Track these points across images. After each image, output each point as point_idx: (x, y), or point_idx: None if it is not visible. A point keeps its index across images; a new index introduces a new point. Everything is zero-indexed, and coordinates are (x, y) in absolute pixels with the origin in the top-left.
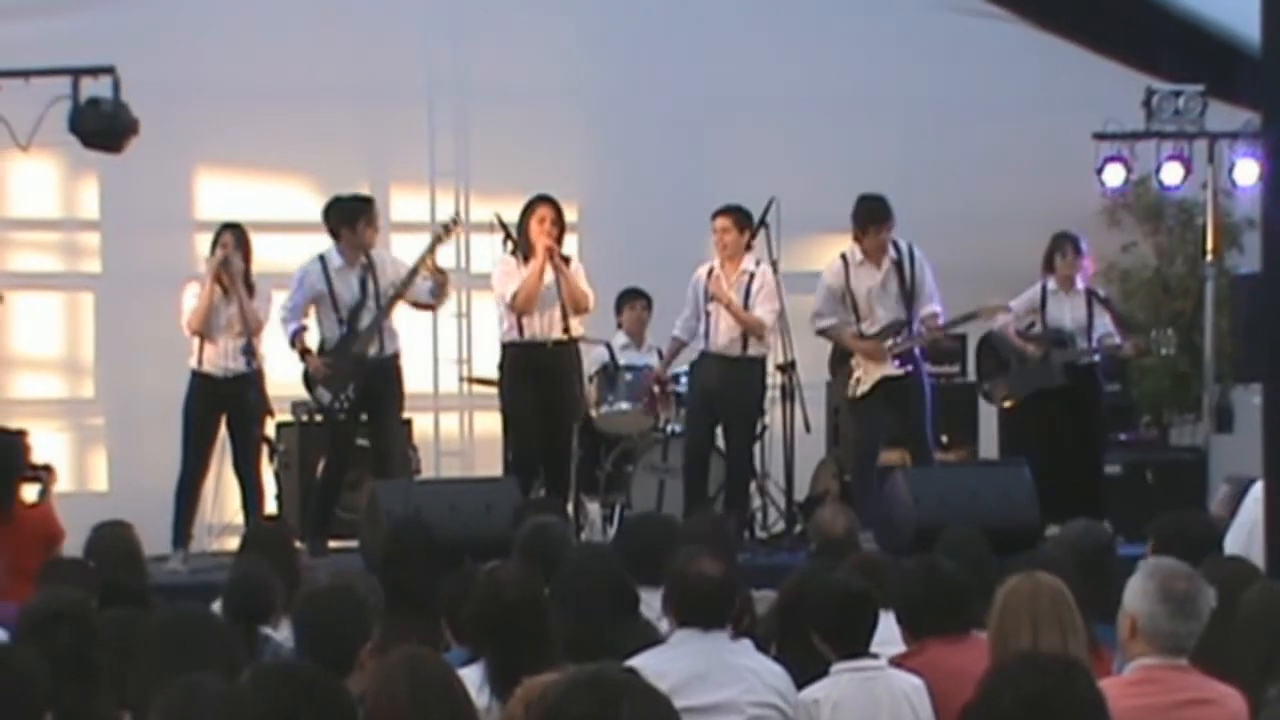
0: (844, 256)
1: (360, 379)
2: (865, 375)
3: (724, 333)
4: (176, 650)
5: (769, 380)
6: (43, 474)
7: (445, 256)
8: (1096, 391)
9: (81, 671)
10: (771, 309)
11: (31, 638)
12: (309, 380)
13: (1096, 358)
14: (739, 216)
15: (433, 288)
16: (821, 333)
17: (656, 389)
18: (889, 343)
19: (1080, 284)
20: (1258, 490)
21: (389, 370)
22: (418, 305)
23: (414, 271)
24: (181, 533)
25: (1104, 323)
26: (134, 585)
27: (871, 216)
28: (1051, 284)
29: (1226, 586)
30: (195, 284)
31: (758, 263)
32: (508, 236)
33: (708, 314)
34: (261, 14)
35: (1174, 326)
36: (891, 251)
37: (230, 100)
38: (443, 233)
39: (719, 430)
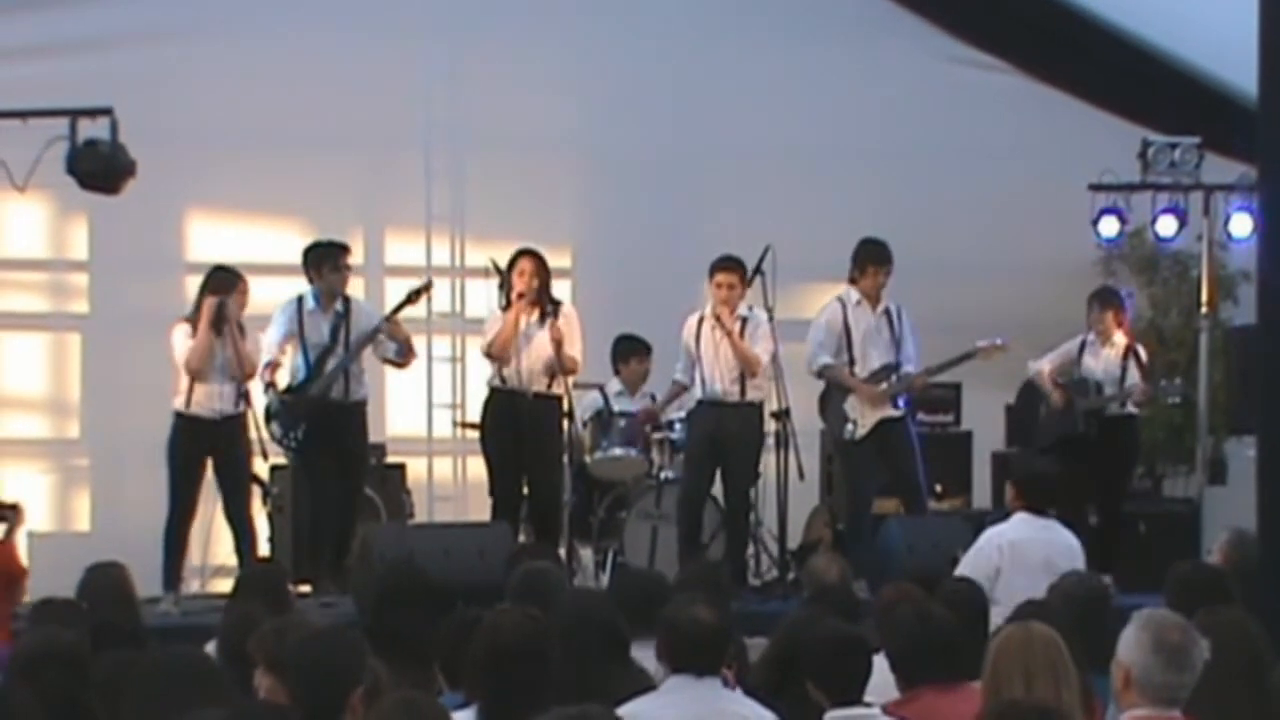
0: (840, 299)
1: (313, 420)
2: (862, 419)
3: (721, 378)
4: (169, 691)
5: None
6: (9, 513)
7: (440, 300)
8: (1130, 444)
9: (74, 713)
10: (767, 349)
11: (24, 679)
12: (268, 414)
13: (1130, 408)
14: (744, 271)
15: (399, 348)
16: (820, 373)
17: (650, 430)
18: (883, 386)
19: (1120, 338)
20: (993, 536)
21: (353, 416)
22: (386, 361)
23: (376, 330)
24: (172, 575)
25: (1136, 377)
26: (127, 626)
27: (871, 257)
28: (1090, 336)
29: (1220, 638)
30: (183, 325)
31: (750, 308)
32: (503, 282)
33: (701, 361)
34: (259, 58)
35: (1168, 378)
36: (885, 302)
37: (226, 144)
38: (414, 296)
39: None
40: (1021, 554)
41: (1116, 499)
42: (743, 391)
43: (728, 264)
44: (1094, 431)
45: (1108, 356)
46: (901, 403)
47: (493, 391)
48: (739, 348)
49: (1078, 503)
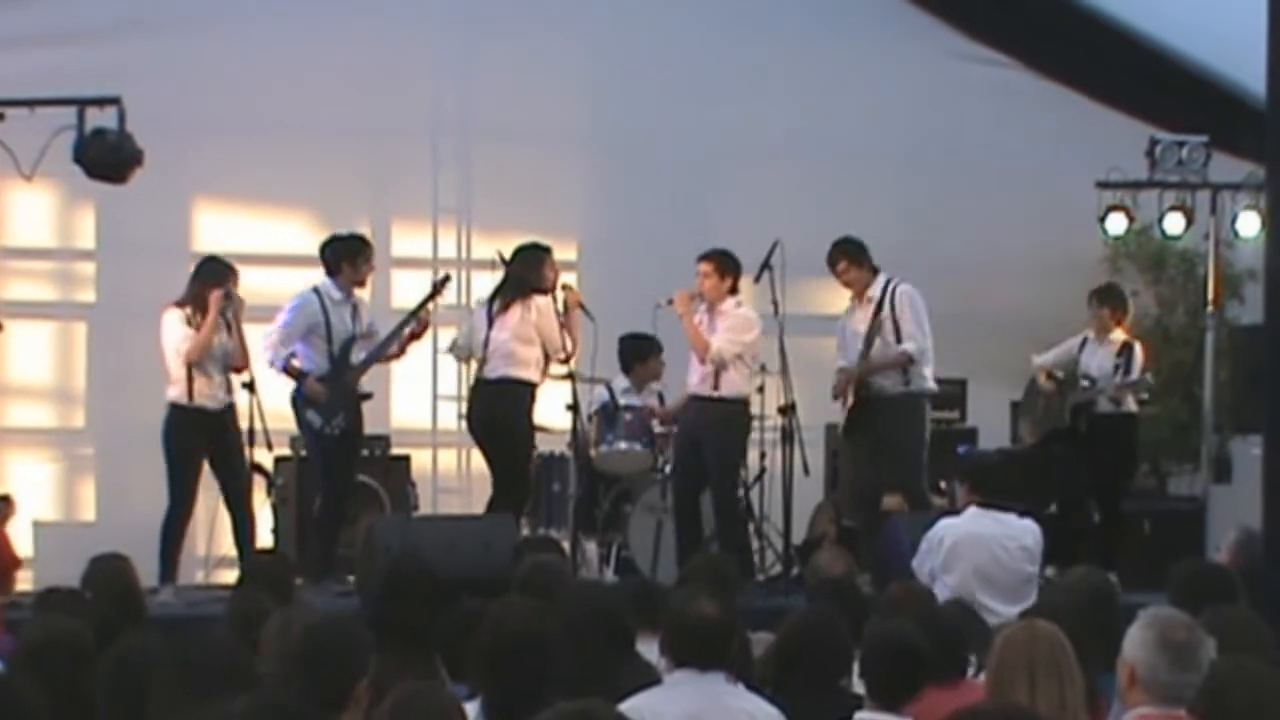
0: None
1: (349, 411)
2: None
3: (697, 372)
4: (196, 680)
5: (767, 423)
6: (1, 505)
7: (446, 292)
8: (1125, 442)
9: (77, 702)
10: (730, 339)
11: (29, 668)
12: (299, 402)
13: (1128, 405)
14: (721, 261)
15: (402, 341)
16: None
17: (659, 427)
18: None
19: (1118, 335)
20: (939, 530)
21: (360, 410)
22: (387, 358)
23: (410, 318)
24: (170, 568)
25: (1135, 370)
26: (131, 617)
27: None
28: (1090, 333)
29: (1226, 637)
30: (176, 310)
31: (738, 305)
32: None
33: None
34: (267, 48)
35: (1173, 376)
36: (874, 291)
37: (233, 133)
38: (437, 289)
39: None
40: (958, 553)
41: (1114, 497)
42: (715, 385)
43: (705, 254)
44: (1083, 427)
45: (1104, 353)
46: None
47: (533, 385)
48: (688, 329)
49: (1073, 497)
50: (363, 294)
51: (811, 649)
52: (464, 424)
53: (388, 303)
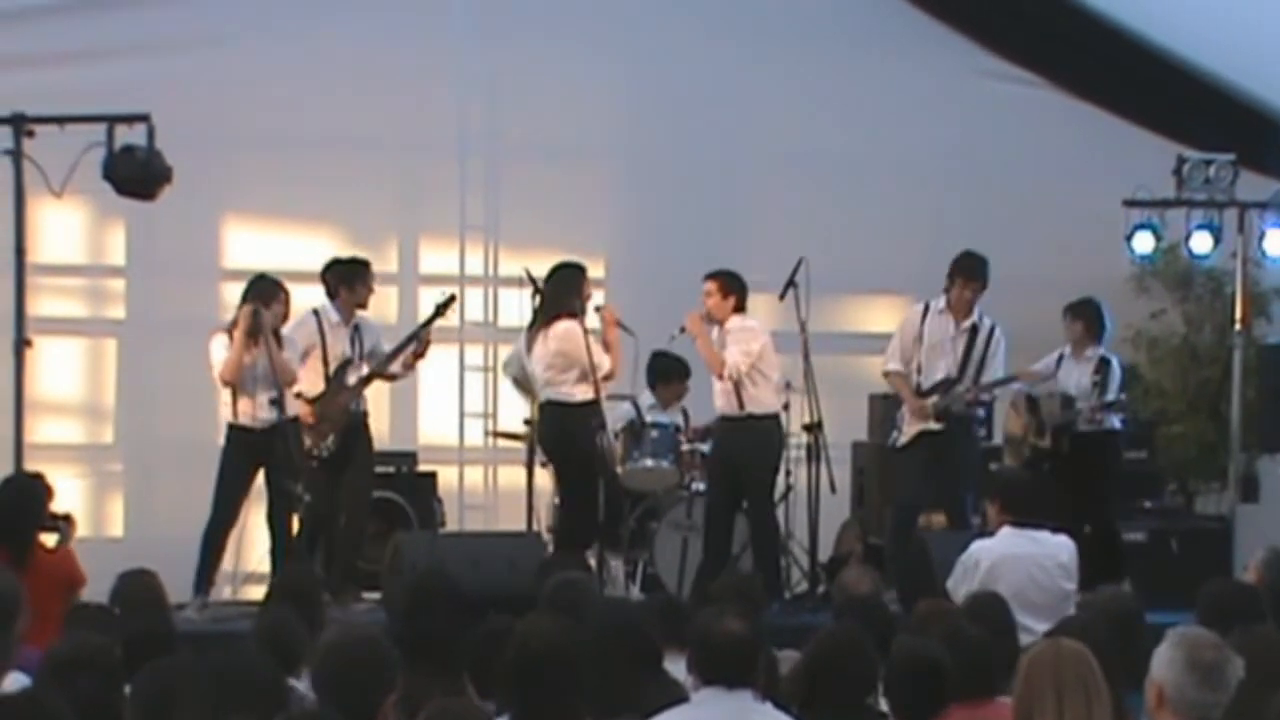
0: (927, 304)
1: (341, 432)
2: (907, 427)
3: (720, 393)
4: (223, 695)
5: (793, 440)
6: (62, 524)
7: (473, 309)
8: (1109, 457)
9: (105, 718)
10: (741, 351)
11: (56, 683)
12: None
13: (1117, 422)
14: (724, 281)
15: (405, 359)
16: (886, 376)
17: (685, 444)
18: (933, 399)
19: (1093, 351)
20: (975, 552)
21: (361, 427)
22: (390, 377)
23: (412, 337)
24: (204, 579)
25: (1114, 389)
26: (159, 633)
27: (959, 268)
28: (1067, 349)
29: (1254, 656)
30: (221, 335)
31: (744, 318)
32: (536, 291)
33: None
34: (295, 66)
35: (1200, 395)
36: (975, 317)
37: (262, 150)
38: (441, 309)
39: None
40: (995, 575)
41: (1108, 511)
42: (740, 404)
43: (710, 273)
44: (1065, 447)
45: (1080, 370)
46: (973, 419)
47: (590, 404)
48: (701, 350)
49: (1065, 519)
50: (366, 315)
51: (838, 667)
52: (490, 440)
53: (414, 319)
